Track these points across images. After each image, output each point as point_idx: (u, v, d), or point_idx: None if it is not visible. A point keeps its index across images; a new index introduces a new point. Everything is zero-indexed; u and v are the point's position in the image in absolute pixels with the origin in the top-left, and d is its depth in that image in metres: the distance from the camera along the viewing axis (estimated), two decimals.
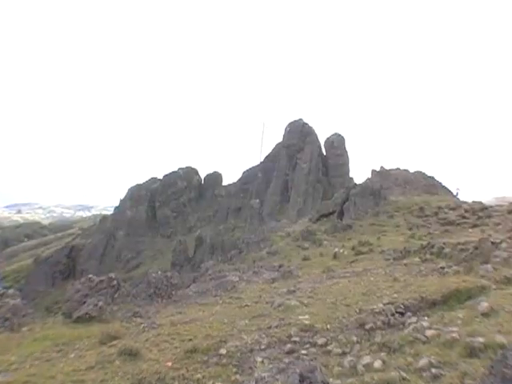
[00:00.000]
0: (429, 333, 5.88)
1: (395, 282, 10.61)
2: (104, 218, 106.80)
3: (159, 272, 16.04)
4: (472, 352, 4.82)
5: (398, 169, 60.17)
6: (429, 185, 50.01)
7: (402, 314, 7.68)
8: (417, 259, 14.59)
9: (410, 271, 12.03)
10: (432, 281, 9.67)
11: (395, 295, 8.78)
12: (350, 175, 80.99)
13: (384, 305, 8.11)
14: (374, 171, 61.39)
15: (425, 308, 7.71)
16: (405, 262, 14.42)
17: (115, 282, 11.94)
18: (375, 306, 8.10)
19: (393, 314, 7.62)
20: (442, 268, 11.40)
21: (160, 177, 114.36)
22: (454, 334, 5.47)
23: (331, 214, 36.79)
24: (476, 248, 12.74)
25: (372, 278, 11.84)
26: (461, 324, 6.03)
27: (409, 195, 41.90)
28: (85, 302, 10.82)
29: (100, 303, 10.64)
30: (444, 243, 15.88)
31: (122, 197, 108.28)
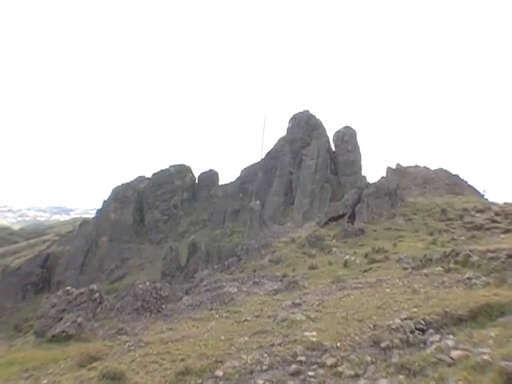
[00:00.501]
0: (455, 354, 5.79)
1: (414, 294, 10.57)
2: (85, 222, 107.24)
3: (147, 283, 16.03)
4: (509, 378, 4.70)
5: (416, 166, 60.20)
6: (452, 184, 49.97)
7: (422, 331, 7.63)
8: (439, 269, 14.52)
9: (432, 282, 11.96)
10: (457, 293, 9.60)
11: (415, 309, 8.72)
12: (363, 173, 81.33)
13: (402, 320, 8.06)
14: (389, 169, 61.49)
15: (449, 325, 7.64)
16: (425, 271, 14.36)
17: (97, 295, 11.94)
18: (392, 322, 8.04)
19: (412, 331, 7.58)
20: (469, 279, 11.34)
21: (149, 175, 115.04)
22: (485, 357, 5.30)
23: (341, 217, 36.88)
24: (509, 256, 12.64)
25: (388, 290, 11.82)
26: (493, 344, 5.88)
27: (429, 196, 41.91)
28: (61, 319, 10.80)
29: (79, 319, 10.62)
30: (471, 251, 15.80)
31: (106, 198, 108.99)
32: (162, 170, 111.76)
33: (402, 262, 18.42)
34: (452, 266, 14.71)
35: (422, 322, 7.78)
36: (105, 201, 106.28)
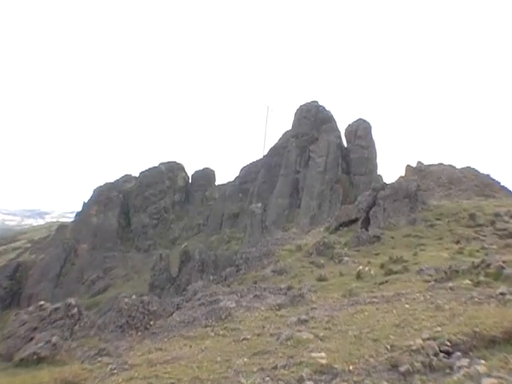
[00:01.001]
0: (487, 382, 5.72)
1: (438, 310, 10.51)
2: (61, 227, 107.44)
3: (133, 296, 16.03)
4: None
5: (440, 164, 60.12)
6: (482, 185, 49.76)
7: (448, 353, 7.55)
8: (467, 282, 14.45)
9: (458, 297, 11.89)
10: (489, 311, 9.52)
11: (438, 328, 8.62)
12: (378, 172, 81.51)
13: (424, 340, 7.99)
14: (409, 167, 61.38)
15: (480, 347, 7.55)
16: (450, 285, 14.28)
17: (75, 311, 11.93)
18: (412, 342, 7.95)
19: (436, 354, 7.51)
20: (502, 294, 11.23)
21: (136, 174, 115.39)
22: None
23: (354, 222, 36.96)
24: None
25: (407, 306, 11.76)
26: None
27: (455, 198, 41.84)
28: (32, 339, 10.76)
29: (54, 339, 10.58)
30: (504, 261, 15.70)
31: (86, 199, 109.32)
32: (150, 168, 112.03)
33: (423, 273, 18.34)
34: (482, 278, 14.61)
35: (448, 344, 7.69)
36: (85, 203, 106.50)
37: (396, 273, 19.97)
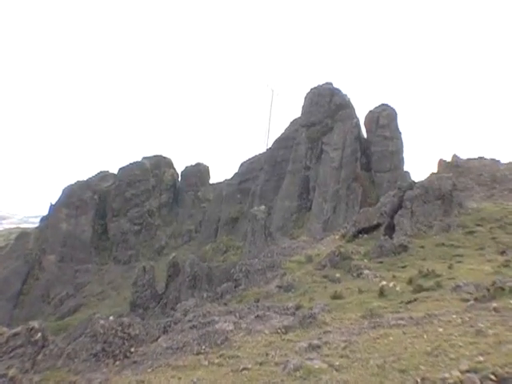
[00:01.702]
0: None
1: (480, 336, 10.46)
2: (23, 234, 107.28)
3: (111, 318, 16.00)
4: None
5: (481, 158, 59.99)
6: None
7: None
8: None
9: (505, 320, 11.84)
10: None
11: (480, 358, 8.60)
12: (405, 169, 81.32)
13: (462, 373, 7.96)
14: (442, 162, 61.23)
15: None
16: (494, 305, 14.23)
17: (39, 336, 11.89)
18: (447, 375, 7.92)
19: None
20: None
21: (114, 170, 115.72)
22: None
23: (375, 227, 36.89)
24: None
25: (441, 329, 11.75)
26: None
27: (500, 200, 41.72)
28: None
29: (12, 371, 10.54)
30: None
31: (54, 201, 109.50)
32: (132, 164, 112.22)
33: (460, 290, 18.27)
34: None
35: (493, 377, 7.64)
36: (52, 205, 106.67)
37: (427, 290, 19.89)
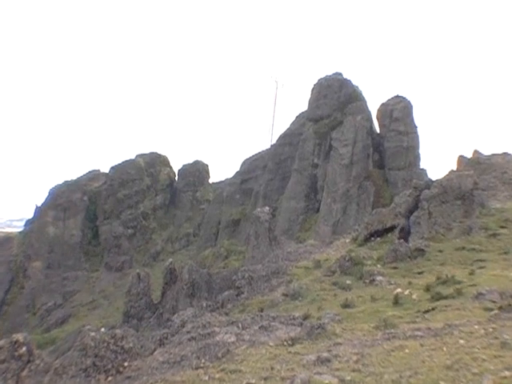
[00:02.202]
0: None
1: (505, 349, 10.41)
2: (7, 239, 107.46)
3: (102, 329, 16.00)
4: None
5: (505, 154, 59.59)
6: None
7: None
8: None
9: None
10: None
11: (506, 373, 8.56)
12: (422, 166, 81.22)
13: None
14: (462, 159, 61.07)
15: None
16: None
17: (24, 350, 11.85)
18: None
19: None
20: None
21: (106, 169, 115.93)
22: None
23: (389, 230, 36.89)
24: None
25: (462, 341, 11.71)
26: None
27: None
28: None
29: None
30: None
31: (40, 203, 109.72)
32: (125, 162, 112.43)
33: (483, 299, 18.26)
34: None
35: None
36: (38, 207, 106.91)
37: (446, 297, 19.90)
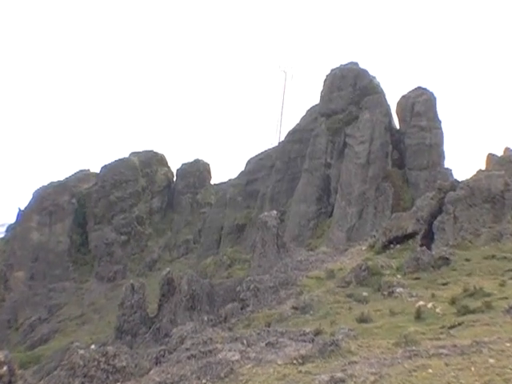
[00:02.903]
0: None
1: None
2: None
3: (92, 346, 16.06)
4: None
5: None
6: None
7: None
8: None
9: None
10: None
11: None
12: (446, 165, 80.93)
13: None
14: (491, 157, 60.71)
15: None
16: None
17: (5, 370, 11.88)
18: None
19: None
20: None
21: (96, 169, 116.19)
22: None
23: (410, 236, 36.85)
24: None
25: (492, 360, 11.63)
26: None
27: None
28: None
29: None
30: None
31: (23, 207, 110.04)
32: (117, 161, 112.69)
33: None
34: None
35: None
36: (21, 211, 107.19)
37: (474, 312, 19.78)
